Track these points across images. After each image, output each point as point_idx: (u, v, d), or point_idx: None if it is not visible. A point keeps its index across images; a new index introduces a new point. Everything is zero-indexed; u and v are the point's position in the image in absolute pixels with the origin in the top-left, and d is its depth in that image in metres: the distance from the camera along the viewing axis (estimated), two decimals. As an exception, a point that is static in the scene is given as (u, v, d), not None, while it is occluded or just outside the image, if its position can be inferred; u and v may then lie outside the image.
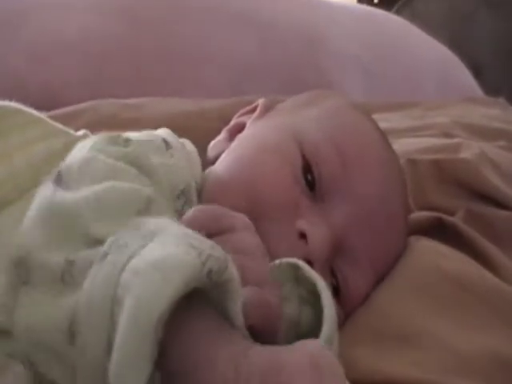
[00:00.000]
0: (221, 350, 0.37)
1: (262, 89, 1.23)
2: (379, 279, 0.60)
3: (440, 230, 0.69)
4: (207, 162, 0.63)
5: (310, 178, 0.57)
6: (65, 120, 0.61)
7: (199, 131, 0.71)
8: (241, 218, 0.48)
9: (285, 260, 0.48)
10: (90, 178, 0.45)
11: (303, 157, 0.58)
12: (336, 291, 0.56)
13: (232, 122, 0.69)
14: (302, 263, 0.48)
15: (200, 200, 0.56)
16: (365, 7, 1.89)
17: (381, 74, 1.48)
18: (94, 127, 0.70)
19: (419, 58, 1.58)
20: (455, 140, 0.92)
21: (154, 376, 0.36)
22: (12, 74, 1.17)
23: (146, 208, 0.43)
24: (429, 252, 0.63)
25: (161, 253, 0.38)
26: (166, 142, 0.57)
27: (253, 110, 0.68)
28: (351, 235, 0.57)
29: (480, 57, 2.16)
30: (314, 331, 0.44)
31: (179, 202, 0.53)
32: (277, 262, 0.48)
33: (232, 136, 0.66)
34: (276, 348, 0.38)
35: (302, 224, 0.55)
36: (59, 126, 0.59)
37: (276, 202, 0.55)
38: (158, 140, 0.56)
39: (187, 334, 0.37)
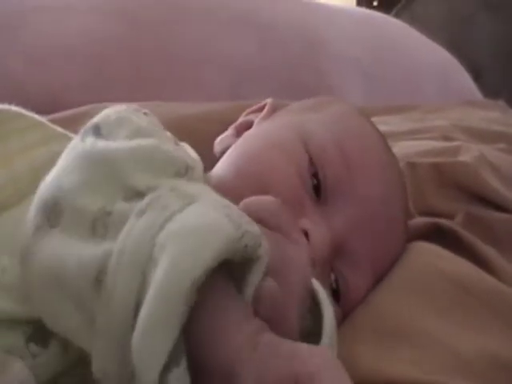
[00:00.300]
0: (245, 323, 0.38)
1: (261, 90, 1.23)
2: (378, 280, 0.60)
3: (439, 235, 0.69)
4: (207, 166, 0.63)
5: (315, 181, 0.58)
6: (64, 124, 0.60)
7: (199, 135, 0.71)
8: (299, 231, 0.49)
9: None
10: (129, 132, 0.45)
11: (310, 159, 0.58)
12: (336, 292, 0.57)
13: (239, 120, 0.69)
14: None
15: None
16: (364, 10, 1.88)
17: (380, 76, 1.48)
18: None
19: (418, 61, 1.58)
20: (455, 143, 0.92)
21: (179, 342, 0.36)
22: (11, 77, 1.17)
23: (184, 173, 0.44)
24: (427, 253, 0.63)
25: (200, 218, 0.38)
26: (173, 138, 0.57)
27: (260, 109, 0.69)
28: (352, 238, 0.57)
29: (479, 59, 2.16)
30: (312, 339, 0.44)
31: None
32: None
33: (239, 133, 0.67)
34: (285, 339, 0.38)
35: (305, 223, 0.55)
36: (60, 129, 0.58)
37: (281, 198, 0.55)
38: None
39: (216, 302, 0.38)
